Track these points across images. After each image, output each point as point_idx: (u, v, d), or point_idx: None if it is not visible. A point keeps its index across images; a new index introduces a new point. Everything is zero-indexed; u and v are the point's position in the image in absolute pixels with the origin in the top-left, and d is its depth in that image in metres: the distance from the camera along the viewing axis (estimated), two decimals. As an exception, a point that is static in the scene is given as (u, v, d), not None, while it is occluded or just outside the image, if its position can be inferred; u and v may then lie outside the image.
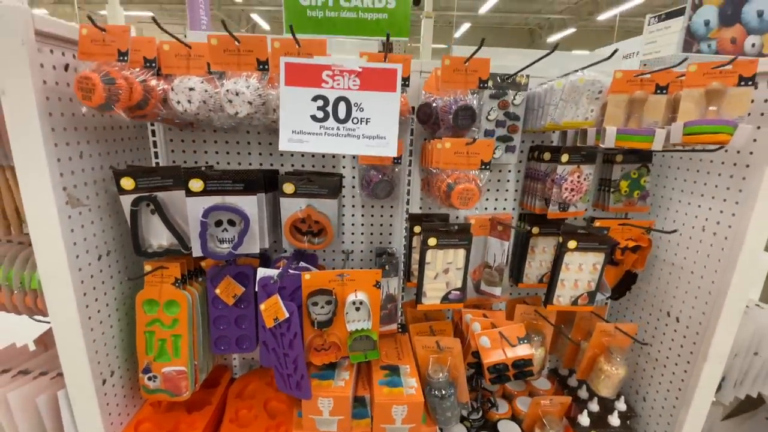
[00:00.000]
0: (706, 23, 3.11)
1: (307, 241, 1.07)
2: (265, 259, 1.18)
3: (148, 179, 0.95)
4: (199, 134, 1.17)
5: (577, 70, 0.98)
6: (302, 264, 1.09)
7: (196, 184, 0.91)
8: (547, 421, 1.19)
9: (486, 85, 0.96)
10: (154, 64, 0.86)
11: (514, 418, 1.29)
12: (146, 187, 0.96)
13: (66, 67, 0.86)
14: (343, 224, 1.28)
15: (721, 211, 1.05)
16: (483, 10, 14.71)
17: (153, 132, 1.15)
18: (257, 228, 0.98)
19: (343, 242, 1.30)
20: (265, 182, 1.05)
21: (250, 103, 0.84)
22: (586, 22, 15.49)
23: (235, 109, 0.84)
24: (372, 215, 1.29)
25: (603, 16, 13.69)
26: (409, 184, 1.26)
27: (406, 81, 0.96)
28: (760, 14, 3.17)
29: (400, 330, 1.29)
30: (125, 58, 0.80)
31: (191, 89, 0.85)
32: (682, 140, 0.92)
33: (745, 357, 1.21)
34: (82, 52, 0.81)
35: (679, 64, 0.94)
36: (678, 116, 0.95)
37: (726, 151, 1.04)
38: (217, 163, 1.20)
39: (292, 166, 1.22)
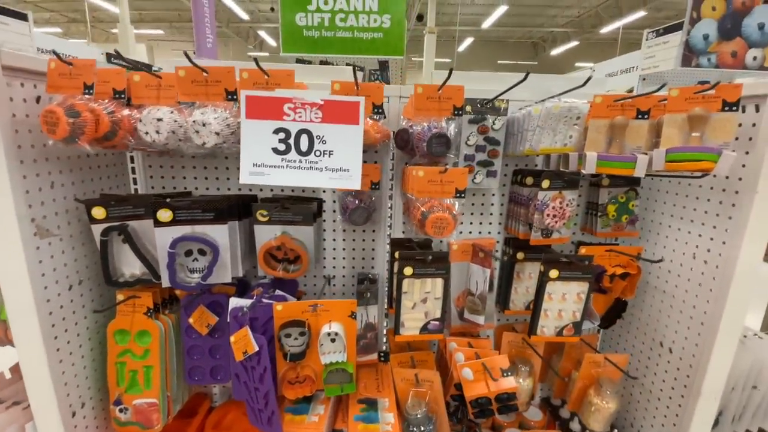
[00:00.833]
0: (705, 37, 3.09)
1: (282, 269, 1.05)
2: (243, 285, 1.16)
3: (120, 208, 0.95)
4: (178, 160, 1.17)
5: (553, 96, 0.96)
6: (278, 292, 1.07)
7: (164, 214, 0.90)
8: (535, 457, 1.14)
9: (460, 112, 0.94)
10: (123, 96, 0.86)
11: (502, 452, 1.24)
12: (118, 216, 0.95)
13: (38, 100, 0.86)
14: (325, 249, 1.26)
15: (711, 239, 1.01)
16: (486, 24, 14.86)
17: (132, 159, 1.15)
18: (228, 257, 0.96)
19: (324, 267, 1.28)
20: (240, 209, 1.03)
21: (217, 133, 0.83)
22: (589, 35, 15.57)
23: (203, 140, 0.83)
24: (354, 240, 1.27)
25: (606, 29, 13.75)
26: (391, 209, 1.24)
27: (379, 109, 0.95)
28: (761, 27, 3.14)
29: (382, 358, 1.25)
30: (91, 91, 0.80)
31: (159, 120, 0.84)
32: (665, 167, 0.89)
33: (743, 391, 1.15)
34: (50, 86, 0.81)
35: (659, 88, 0.91)
36: (661, 142, 0.92)
37: (714, 176, 1.00)
38: (196, 188, 1.19)
39: (272, 191, 1.20)
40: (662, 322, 1.15)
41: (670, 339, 1.13)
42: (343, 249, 1.27)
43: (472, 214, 1.28)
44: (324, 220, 1.23)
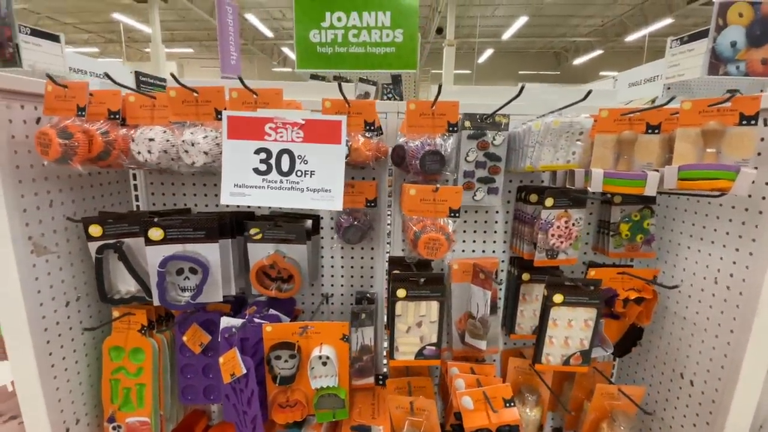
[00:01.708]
0: (733, 44, 2.94)
1: (275, 288, 1.03)
2: (239, 303, 1.15)
3: (116, 226, 0.96)
4: (178, 177, 1.18)
5: (553, 111, 0.91)
6: (271, 311, 1.05)
7: (155, 233, 0.90)
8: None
9: (455, 128, 0.91)
10: (118, 116, 0.88)
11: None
12: (114, 234, 0.96)
13: (38, 121, 0.89)
14: (323, 266, 1.24)
15: (734, 262, 0.93)
16: (506, 35, 14.81)
17: (134, 176, 1.17)
18: (219, 276, 0.95)
19: (322, 285, 1.25)
20: (235, 226, 1.03)
21: (206, 153, 0.82)
22: (613, 43, 15.23)
23: (192, 159, 0.83)
24: (352, 257, 1.24)
25: (631, 38, 13.42)
26: (390, 226, 1.21)
27: (371, 126, 0.93)
28: (795, 33, 2.97)
29: (381, 382, 1.21)
30: (83, 113, 0.82)
31: (151, 140, 0.85)
32: (677, 185, 0.82)
33: (778, 431, 1.03)
34: (46, 108, 0.83)
35: (669, 101, 0.85)
36: (673, 158, 0.86)
37: (735, 195, 0.92)
38: (196, 205, 1.20)
39: (270, 208, 1.19)
40: (683, 352, 1.06)
41: (691, 370, 1.04)
42: (342, 267, 1.24)
43: (475, 232, 1.23)
44: (322, 237, 1.21)
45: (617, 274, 1.06)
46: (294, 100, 0.92)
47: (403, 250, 1.23)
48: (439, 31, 13.09)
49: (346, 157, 0.89)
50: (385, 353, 1.22)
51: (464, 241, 1.23)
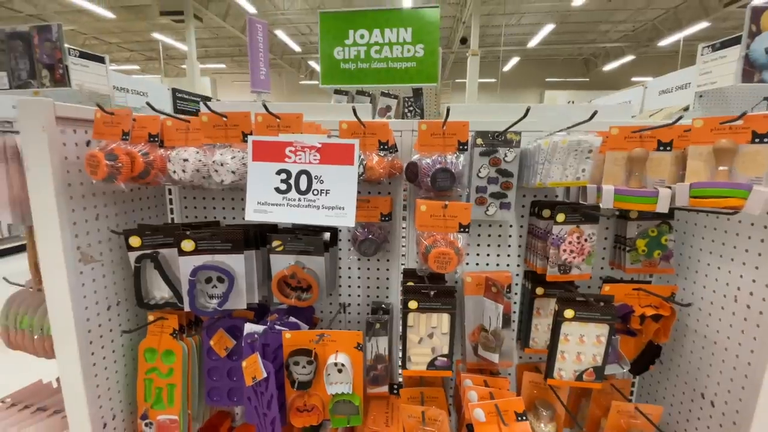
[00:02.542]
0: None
1: (295, 297, 1.09)
2: (262, 310, 1.22)
3: (153, 237, 1.05)
4: (209, 192, 1.27)
5: (562, 130, 0.93)
6: (291, 319, 1.11)
7: (188, 245, 0.98)
8: None
9: (465, 147, 0.94)
10: (157, 139, 0.97)
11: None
12: (151, 245, 1.05)
13: (87, 143, 0.99)
14: (340, 277, 1.29)
15: (754, 280, 0.91)
16: (532, 43, 14.66)
17: (170, 191, 1.27)
18: (244, 284, 1.02)
19: (340, 295, 1.31)
20: (258, 238, 1.10)
21: (233, 172, 0.90)
22: (645, 48, 14.76)
23: (221, 177, 0.91)
24: (368, 269, 1.28)
25: (664, 42, 12.99)
26: (405, 238, 1.25)
27: (385, 145, 0.98)
28: (839, 37, 2.82)
29: (395, 391, 1.24)
30: (127, 137, 0.91)
31: (185, 160, 0.93)
32: (689, 203, 0.82)
33: (809, 459, 0.98)
34: (95, 133, 0.93)
35: (677, 120, 0.85)
36: (686, 176, 0.86)
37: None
38: (224, 218, 1.28)
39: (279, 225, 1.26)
40: (703, 371, 1.03)
41: (711, 391, 1.01)
42: (358, 278, 1.29)
43: (488, 246, 1.25)
44: (340, 249, 1.27)
45: (633, 290, 1.05)
46: (314, 123, 0.98)
47: (416, 262, 1.27)
48: (464, 41, 13.14)
49: (362, 175, 0.94)
50: (400, 363, 1.25)
51: (478, 255, 1.26)
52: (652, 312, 1.04)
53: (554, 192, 1.21)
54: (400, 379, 1.33)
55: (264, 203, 0.79)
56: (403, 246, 1.27)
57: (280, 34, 14.33)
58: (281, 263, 1.07)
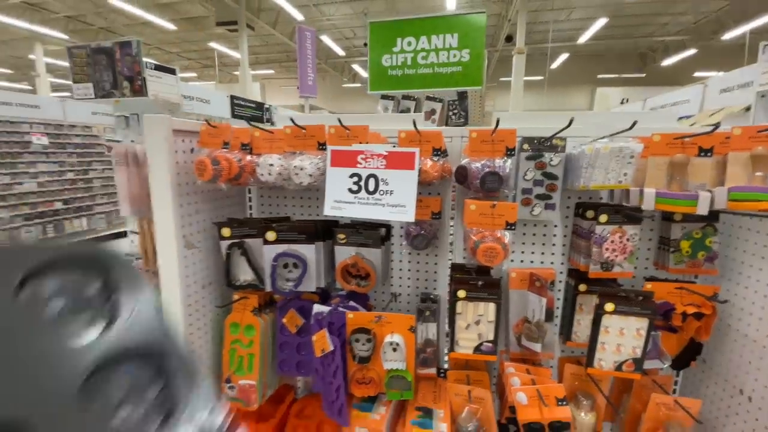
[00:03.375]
0: None
1: (355, 284, 1.25)
2: (325, 295, 1.39)
3: (240, 229, 1.25)
4: (281, 192, 1.47)
5: (604, 137, 1.01)
6: (351, 303, 1.27)
7: (270, 236, 1.17)
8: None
9: (512, 152, 1.05)
10: (248, 147, 1.17)
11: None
12: (238, 235, 1.25)
13: (191, 150, 1.21)
14: (392, 269, 1.43)
15: (800, 283, 0.94)
16: (582, 39, 14.06)
17: (249, 191, 1.48)
18: (314, 270, 1.19)
19: (392, 285, 1.45)
20: (324, 232, 1.27)
21: (310, 175, 1.07)
22: (709, 42, 13.65)
23: (300, 180, 1.08)
24: (418, 262, 1.42)
25: (729, 35, 11.96)
26: (452, 235, 1.37)
27: (439, 151, 1.11)
28: None
29: (442, 374, 1.36)
30: (227, 146, 1.11)
31: (271, 165, 1.12)
32: (728, 206, 0.88)
33: None
34: (201, 142, 1.14)
35: (715, 128, 0.91)
36: (726, 180, 0.92)
37: (801, 215, 0.94)
38: (294, 214, 1.47)
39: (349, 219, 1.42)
40: (743, 369, 1.06)
41: (750, 387, 1.04)
42: (409, 270, 1.43)
43: (533, 244, 1.34)
44: (392, 243, 1.41)
45: (675, 288, 1.10)
46: (378, 134, 1.13)
47: (464, 257, 1.38)
48: (509, 39, 12.87)
49: (417, 177, 1.08)
50: (445, 350, 1.37)
51: (522, 252, 1.35)
52: (693, 310, 1.09)
53: (598, 194, 1.27)
54: (446, 366, 1.45)
55: (339, 201, 0.95)
56: (450, 243, 1.39)
57: (326, 39, 14.83)
58: (344, 254, 1.23)
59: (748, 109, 3.24)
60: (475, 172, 1.09)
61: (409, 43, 3.10)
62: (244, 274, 1.27)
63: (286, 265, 1.19)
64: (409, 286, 1.45)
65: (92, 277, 0.54)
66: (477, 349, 1.15)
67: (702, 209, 0.92)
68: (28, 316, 0.48)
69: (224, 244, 1.24)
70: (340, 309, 1.20)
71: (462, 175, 1.18)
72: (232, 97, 5.48)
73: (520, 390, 1.15)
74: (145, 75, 4.68)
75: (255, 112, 6.24)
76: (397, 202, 0.92)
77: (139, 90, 4.69)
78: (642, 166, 1.02)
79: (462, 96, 3.27)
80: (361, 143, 1.05)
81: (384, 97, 3.40)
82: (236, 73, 15.14)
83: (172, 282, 1.16)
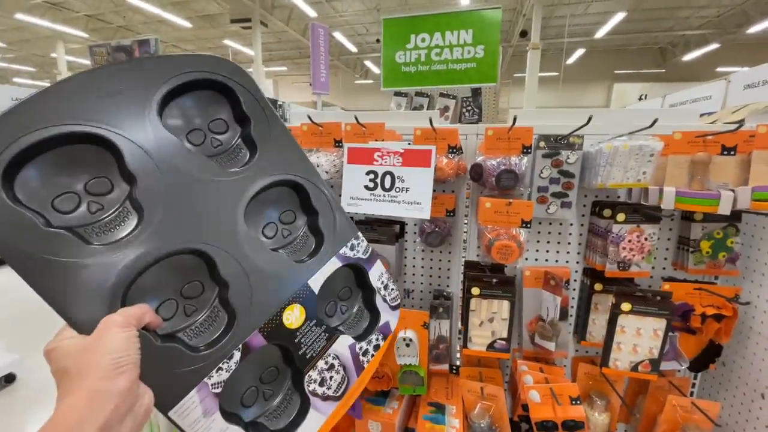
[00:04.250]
0: None
1: (369, 280, 1.26)
2: (338, 291, 1.40)
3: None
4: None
5: (623, 135, 1.00)
6: (365, 299, 1.28)
7: (285, 231, 1.18)
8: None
9: (529, 150, 1.04)
10: (264, 143, 1.18)
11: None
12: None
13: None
14: (406, 266, 1.44)
15: (827, 285, 0.91)
16: (600, 34, 13.77)
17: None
18: (329, 267, 1.20)
19: (405, 282, 1.46)
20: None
21: (326, 172, 1.08)
22: (732, 35, 13.21)
23: (315, 176, 1.09)
24: (431, 260, 1.42)
25: (755, 29, 11.55)
26: (466, 233, 1.37)
27: (454, 149, 1.11)
28: None
29: (454, 371, 1.36)
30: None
31: (286, 161, 1.13)
32: (751, 206, 0.86)
33: None
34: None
35: (739, 126, 0.89)
36: (750, 179, 0.89)
37: (829, 215, 0.91)
38: (307, 210, 1.49)
39: (365, 215, 1.43)
40: (765, 372, 1.04)
41: (776, 393, 1.02)
42: (422, 267, 1.43)
43: (548, 242, 1.33)
44: (406, 240, 1.42)
45: (694, 289, 1.08)
46: (394, 131, 1.14)
47: (478, 255, 1.38)
48: (524, 34, 12.68)
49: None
50: (458, 347, 1.37)
51: (537, 251, 1.34)
52: (713, 311, 1.07)
53: (616, 192, 1.25)
54: (458, 363, 1.45)
55: (355, 198, 0.96)
56: (464, 240, 1.39)
57: (338, 35, 14.85)
58: (359, 250, 1.24)
59: (773, 106, 3.13)
60: (490, 170, 1.09)
61: (423, 40, 3.08)
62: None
63: (301, 261, 1.21)
64: (422, 283, 1.45)
65: (222, 101, 0.77)
66: (490, 347, 1.15)
67: (724, 209, 0.90)
68: (198, 154, 0.68)
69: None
70: (354, 304, 1.21)
71: (477, 172, 1.18)
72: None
73: (533, 388, 1.15)
74: (162, 72, 4.76)
75: (269, 109, 6.27)
76: (413, 200, 0.92)
77: (157, 87, 4.77)
78: (662, 165, 1.00)
79: (476, 93, 3.24)
80: (377, 140, 1.05)
81: (397, 93, 3.40)
82: (250, 70, 15.32)
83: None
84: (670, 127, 1.00)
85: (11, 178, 0.52)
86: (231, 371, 0.65)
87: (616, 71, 17.46)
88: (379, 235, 1.22)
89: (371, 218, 1.41)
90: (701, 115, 4.54)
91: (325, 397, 0.81)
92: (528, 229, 1.02)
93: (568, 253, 1.32)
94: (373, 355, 0.90)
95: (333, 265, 0.80)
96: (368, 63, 18.84)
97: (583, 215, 1.29)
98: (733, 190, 0.90)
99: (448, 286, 1.43)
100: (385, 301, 0.93)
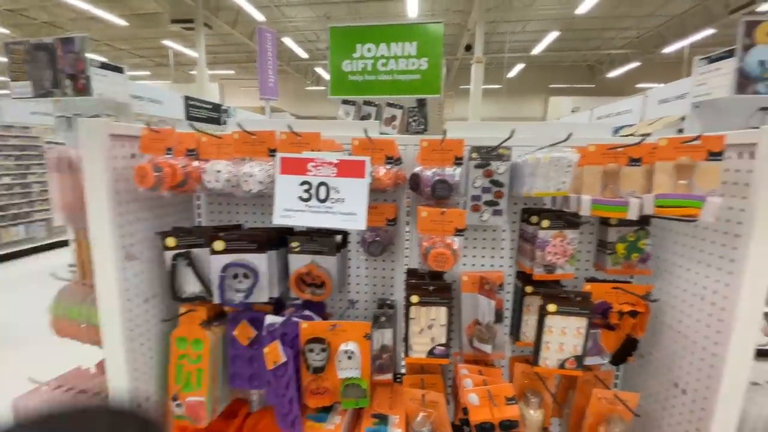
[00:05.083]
0: (761, 63, 2.94)
1: (310, 292, 1.23)
2: (279, 304, 1.35)
3: (186, 238, 1.19)
4: (232, 198, 1.42)
5: (543, 147, 1.07)
6: (307, 312, 1.24)
7: (218, 245, 1.12)
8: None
9: (461, 161, 1.08)
10: (194, 153, 1.12)
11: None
12: (184, 245, 1.19)
13: (132, 156, 1.14)
14: (349, 275, 1.43)
15: (717, 280, 1.03)
16: (536, 50, 14.78)
17: (198, 197, 1.42)
18: (266, 280, 1.16)
19: (349, 292, 1.44)
20: (278, 240, 1.24)
21: (260, 182, 1.04)
22: (651, 55, 14.80)
23: (249, 187, 1.05)
24: (375, 268, 1.42)
25: (670, 49, 13.04)
26: (408, 241, 1.39)
27: (391, 159, 1.12)
28: (830, 50, 2.94)
29: (399, 379, 1.36)
30: (171, 152, 1.06)
31: (218, 171, 1.08)
32: (654, 212, 0.95)
33: (768, 441, 1.10)
34: (142, 147, 1.08)
35: (642, 140, 0.98)
36: (653, 188, 0.99)
37: (717, 219, 1.03)
38: (246, 222, 1.43)
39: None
40: (677, 363, 1.15)
41: (684, 380, 1.13)
42: (366, 276, 1.43)
43: (484, 248, 1.38)
44: (349, 250, 1.40)
45: (612, 288, 1.18)
46: (333, 140, 1.12)
47: (419, 263, 1.40)
48: (468, 48, 13.28)
49: (369, 185, 1.09)
50: (403, 355, 1.38)
51: (474, 257, 1.39)
52: (628, 308, 1.17)
53: (542, 200, 1.33)
54: (403, 370, 1.45)
55: (289, 209, 0.93)
56: (406, 248, 1.40)
57: (288, 41, 14.61)
58: (298, 262, 1.21)
59: (683, 119, 3.54)
60: (426, 180, 1.11)
61: (369, 50, 3.12)
62: (190, 285, 1.22)
63: (235, 276, 1.15)
64: (366, 293, 1.44)
65: None
66: (430, 353, 1.16)
67: (632, 215, 0.99)
68: None
69: (169, 254, 1.18)
70: (294, 319, 1.18)
71: (415, 182, 1.20)
72: (187, 98, 5.24)
73: (472, 391, 1.18)
74: (90, 73, 4.37)
75: (211, 114, 5.99)
76: (349, 210, 0.92)
77: (83, 89, 4.37)
78: (580, 175, 1.08)
79: (421, 103, 3.33)
80: (313, 150, 1.03)
81: (345, 102, 3.40)
82: (193, 72, 14.54)
83: (110, 296, 1.08)
84: (586, 140, 1.09)
85: None
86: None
87: (551, 85, 18.84)
88: (320, 246, 1.19)
89: (312, 229, 1.38)
90: (623, 127, 5.03)
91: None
92: (462, 237, 1.06)
93: (502, 258, 1.39)
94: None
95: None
96: (319, 70, 18.70)
97: (514, 222, 1.36)
98: (639, 198, 0.99)
99: (392, 294, 1.44)
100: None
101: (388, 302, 1.39)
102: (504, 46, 13.73)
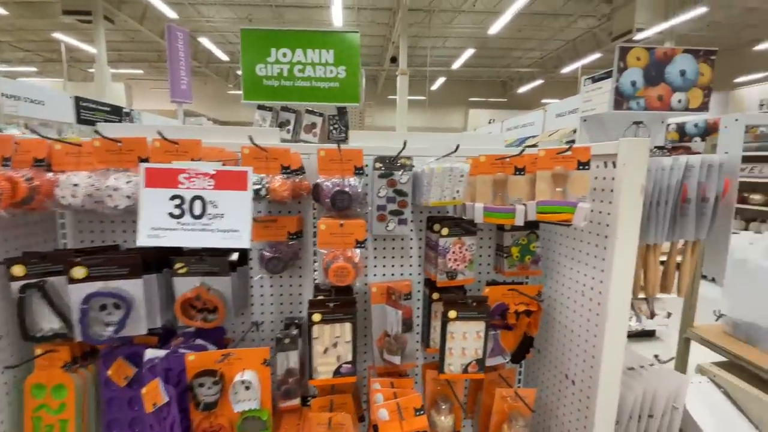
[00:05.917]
0: (633, 83, 3.42)
1: (201, 318, 1.10)
2: (168, 334, 1.19)
3: (39, 266, 1.00)
4: (107, 215, 1.23)
5: (438, 158, 1.09)
6: (198, 341, 1.11)
7: (79, 272, 0.95)
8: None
9: (361, 171, 1.05)
10: (43, 163, 0.94)
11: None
12: (37, 273, 1.00)
13: (-41, 168, 0.93)
14: (252, 296, 1.32)
15: (593, 278, 1.13)
16: (456, 65, 15.75)
17: (62, 215, 1.20)
18: (143, 309, 1.01)
19: (252, 313, 1.33)
20: (161, 262, 1.10)
21: (128, 197, 0.91)
22: (552, 74, 16.65)
23: (115, 203, 0.91)
24: (281, 286, 1.33)
25: (566, 69, 14.78)
26: (316, 255, 1.32)
27: (287, 169, 1.06)
28: (682, 73, 3.52)
29: (308, 404, 1.29)
30: (8, 162, 0.88)
31: (76, 185, 0.92)
32: (537, 217, 1.01)
33: (641, 420, 1.23)
34: (-31, 158, 0.88)
35: (522, 150, 1.05)
36: (535, 195, 1.05)
37: (590, 222, 1.14)
38: (125, 241, 1.25)
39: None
40: (566, 356, 1.24)
41: (573, 372, 1.22)
42: (271, 295, 1.33)
43: (393, 257, 1.37)
44: (251, 268, 1.30)
45: (508, 290, 1.24)
46: (223, 148, 1.02)
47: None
48: (393, 60, 13.71)
49: (266, 196, 1.01)
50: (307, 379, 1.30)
51: (384, 266, 1.37)
52: (523, 308, 1.23)
53: (446, 209, 1.37)
54: (315, 393, 1.38)
55: (157, 228, 0.82)
56: (315, 262, 1.34)
57: (205, 41, 13.74)
58: (186, 285, 1.08)
59: (574, 131, 4.00)
60: (326, 191, 1.07)
61: (284, 55, 3.01)
62: (47, 321, 1.02)
63: (104, 307, 0.99)
64: (272, 312, 1.35)
65: None
66: (336, 373, 1.11)
67: (519, 221, 1.04)
68: None
69: (16, 285, 0.98)
70: (181, 351, 1.04)
71: (317, 193, 1.14)
72: (78, 99, 4.59)
73: (382, 407, 1.15)
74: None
75: (110, 117, 5.32)
76: (230, 227, 0.83)
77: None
78: (474, 183, 1.12)
79: (342, 111, 3.30)
80: (193, 160, 0.93)
81: (261, 107, 3.23)
82: (92, 70, 12.90)
83: (-76, 345, 0.86)
84: (478, 150, 1.14)
85: None
86: None
87: (470, 98, 20.22)
88: (209, 266, 1.08)
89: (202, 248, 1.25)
90: (528, 137, 5.54)
91: None
92: (363, 249, 1.03)
93: (410, 266, 1.39)
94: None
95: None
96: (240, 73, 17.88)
97: (420, 230, 1.37)
98: (524, 204, 1.05)
99: (300, 312, 1.36)
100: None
101: (296, 321, 1.30)
102: (426, 59, 14.39)
